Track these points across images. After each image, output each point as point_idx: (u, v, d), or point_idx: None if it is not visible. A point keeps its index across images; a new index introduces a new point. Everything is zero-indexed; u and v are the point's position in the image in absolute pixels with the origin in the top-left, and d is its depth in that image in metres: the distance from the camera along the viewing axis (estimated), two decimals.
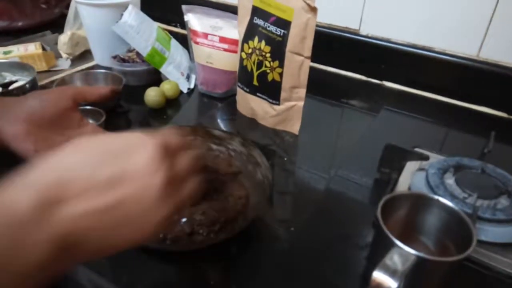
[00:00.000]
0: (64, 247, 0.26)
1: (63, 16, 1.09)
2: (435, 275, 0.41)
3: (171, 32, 0.97)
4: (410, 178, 0.59)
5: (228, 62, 0.81)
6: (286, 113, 0.72)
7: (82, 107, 0.70)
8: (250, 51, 0.72)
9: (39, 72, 0.85)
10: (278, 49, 0.67)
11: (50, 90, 0.56)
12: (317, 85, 0.75)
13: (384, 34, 0.89)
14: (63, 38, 0.96)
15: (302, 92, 0.70)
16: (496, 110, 0.82)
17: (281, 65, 0.68)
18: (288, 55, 0.67)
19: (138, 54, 0.88)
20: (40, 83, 0.84)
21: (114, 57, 0.88)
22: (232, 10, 0.77)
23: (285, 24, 0.66)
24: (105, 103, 0.73)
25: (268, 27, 0.68)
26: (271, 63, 0.69)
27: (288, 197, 0.61)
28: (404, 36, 0.87)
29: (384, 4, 0.86)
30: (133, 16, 0.83)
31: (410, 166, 0.61)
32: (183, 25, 0.87)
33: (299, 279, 0.47)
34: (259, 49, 0.70)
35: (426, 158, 0.61)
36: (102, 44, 0.93)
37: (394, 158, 0.61)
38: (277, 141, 0.72)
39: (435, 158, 0.61)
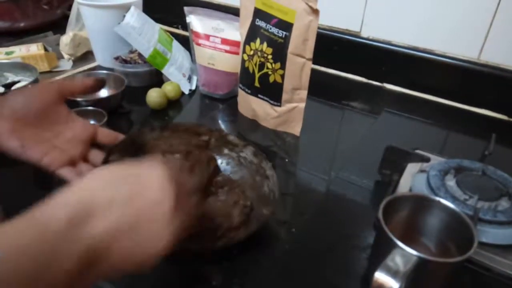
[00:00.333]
0: (89, 262, 0.29)
1: (65, 17, 1.09)
2: (437, 276, 0.41)
3: (172, 34, 0.97)
4: (411, 179, 0.59)
5: (230, 63, 0.81)
6: (288, 114, 0.73)
7: (84, 108, 0.70)
8: (251, 52, 0.72)
9: (41, 73, 0.85)
10: (280, 51, 0.68)
11: (35, 85, 0.55)
12: (318, 87, 0.75)
13: (385, 37, 0.89)
14: (65, 39, 0.97)
15: (304, 93, 0.70)
16: (496, 113, 0.82)
17: (283, 67, 0.68)
18: (289, 57, 0.67)
19: (140, 55, 0.88)
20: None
21: (116, 58, 0.89)
22: (234, 12, 0.78)
23: (287, 26, 0.66)
24: (108, 104, 0.73)
25: (270, 29, 0.68)
26: (273, 64, 0.69)
27: (289, 198, 0.61)
28: (405, 39, 0.87)
29: (385, 7, 0.86)
30: (135, 17, 0.84)
31: (411, 168, 0.61)
32: (185, 26, 0.87)
33: (300, 280, 0.47)
34: (261, 50, 0.70)
35: (427, 160, 0.61)
36: (104, 45, 0.93)
37: (395, 160, 0.61)
38: (278, 143, 0.72)
39: (436, 160, 0.62)
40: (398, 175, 0.61)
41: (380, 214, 0.42)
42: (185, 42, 0.94)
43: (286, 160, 0.68)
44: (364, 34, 0.91)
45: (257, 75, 0.72)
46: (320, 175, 0.65)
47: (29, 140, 0.49)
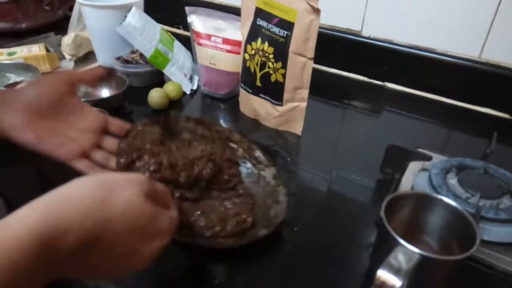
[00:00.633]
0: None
1: (66, 18, 1.09)
2: (439, 274, 0.41)
3: (173, 34, 0.97)
4: (413, 178, 0.59)
5: (231, 63, 0.81)
6: (289, 114, 0.73)
7: None
8: (253, 52, 0.72)
9: (43, 73, 0.85)
10: (281, 50, 0.68)
11: (46, 76, 0.54)
12: (320, 87, 0.75)
13: (386, 36, 0.89)
14: (67, 40, 0.97)
15: (305, 93, 0.70)
16: (498, 111, 0.82)
17: (284, 66, 0.68)
18: (291, 56, 0.67)
19: (141, 55, 0.89)
20: None
21: (118, 59, 0.89)
22: (235, 11, 0.78)
23: (288, 26, 0.66)
24: (109, 104, 0.73)
25: (271, 28, 0.68)
26: (274, 64, 0.69)
27: (291, 197, 0.61)
28: (406, 38, 0.87)
29: (386, 6, 0.86)
30: (136, 17, 0.84)
31: (413, 167, 0.61)
32: (186, 26, 0.87)
33: (302, 278, 0.47)
34: (262, 50, 0.70)
35: (429, 158, 0.61)
36: (105, 45, 0.93)
37: (396, 159, 0.61)
38: (279, 142, 0.72)
39: (437, 158, 0.62)
40: (400, 173, 0.61)
41: (382, 212, 0.42)
42: (186, 42, 0.94)
43: (288, 159, 0.68)
44: (365, 33, 0.91)
45: (258, 75, 0.73)
46: (322, 174, 0.65)
47: (44, 132, 0.49)
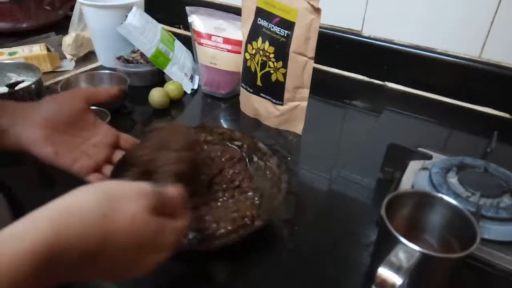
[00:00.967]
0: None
1: (67, 18, 1.10)
2: (439, 272, 0.41)
3: (174, 34, 0.97)
4: (413, 177, 0.59)
5: (232, 63, 0.81)
6: (290, 113, 0.73)
7: None
8: (253, 51, 0.72)
9: (43, 73, 0.86)
10: (281, 50, 0.68)
11: (64, 93, 0.58)
12: (320, 86, 0.75)
13: (387, 35, 0.89)
14: (68, 39, 0.97)
15: (306, 92, 0.70)
16: (498, 111, 0.82)
17: (285, 66, 0.69)
18: (291, 56, 0.67)
19: (142, 55, 0.89)
20: (45, 84, 0.85)
21: (119, 58, 0.89)
22: (236, 11, 0.78)
23: (289, 25, 0.66)
24: (110, 104, 0.73)
25: (272, 28, 0.69)
26: (275, 63, 0.70)
27: (292, 196, 0.61)
28: (406, 37, 0.87)
29: (386, 6, 0.86)
30: (137, 17, 0.84)
31: (413, 166, 0.61)
32: (186, 26, 0.88)
33: (303, 277, 0.47)
34: (263, 49, 0.70)
35: (429, 157, 0.61)
36: (106, 45, 0.94)
37: (397, 158, 0.61)
38: (280, 141, 0.73)
39: (438, 157, 0.62)
40: (400, 172, 0.61)
41: (383, 211, 0.42)
42: (187, 42, 0.94)
43: (288, 158, 0.68)
44: (366, 33, 0.91)
45: (259, 74, 0.73)
46: (322, 173, 0.65)
47: (61, 147, 0.51)
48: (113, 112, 0.71)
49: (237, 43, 0.79)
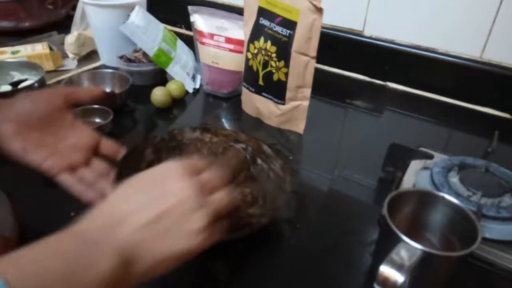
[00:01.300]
0: (124, 262, 0.31)
1: (69, 17, 1.10)
2: (441, 270, 0.41)
3: (175, 33, 0.98)
4: (415, 176, 0.59)
5: (234, 62, 0.82)
6: (291, 112, 0.73)
7: (89, 106, 0.71)
8: (255, 51, 0.72)
9: (46, 72, 0.86)
10: (283, 49, 0.68)
11: (42, 91, 0.54)
12: (322, 86, 0.75)
13: (388, 36, 0.89)
14: (70, 39, 0.97)
15: (307, 91, 0.71)
16: (499, 111, 0.83)
17: (287, 65, 0.69)
18: (293, 55, 0.68)
19: (144, 54, 0.89)
20: (47, 82, 0.85)
21: (121, 57, 0.89)
22: (238, 11, 0.78)
23: (291, 25, 0.67)
24: (113, 103, 0.74)
25: (274, 27, 0.69)
26: (277, 63, 0.70)
27: (293, 195, 0.61)
28: (407, 38, 0.88)
29: (388, 6, 0.87)
30: (140, 16, 0.84)
31: (415, 165, 0.62)
32: (188, 26, 0.88)
33: (305, 275, 0.48)
34: (265, 49, 0.71)
35: (430, 157, 0.61)
36: (108, 44, 0.94)
37: (398, 157, 0.62)
38: (282, 141, 0.73)
39: (439, 157, 0.62)
40: (402, 172, 0.61)
41: (385, 209, 0.42)
42: (188, 42, 0.95)
43: (290, 157, 0.69)
44: (367, 33, 0.92)
45: (261, 74, 0.73)
46: (324, 172, 0.65)
47: (31, 143, 0.48)
48: (115, 111, 0.71)
49: (239, 42, 0.79)
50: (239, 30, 0.78)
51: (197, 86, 0.90)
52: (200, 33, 0.83)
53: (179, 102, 0.84)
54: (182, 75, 0.87)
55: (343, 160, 0.69)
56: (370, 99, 0.88)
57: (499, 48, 0.79)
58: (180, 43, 0.93)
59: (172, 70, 0.87)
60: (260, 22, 0.71)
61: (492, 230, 0.50)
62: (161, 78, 0.89)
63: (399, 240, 0.39)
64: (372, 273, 0.46)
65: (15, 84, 0.75)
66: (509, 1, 0.75)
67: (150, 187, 0.36)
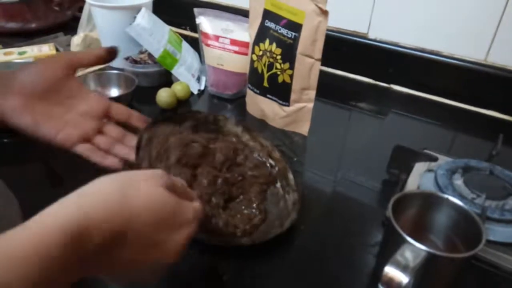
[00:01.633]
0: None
1: (75, 19, 1.11)
2: (445, 271, 0.41)
3: (181, 35, 0.98)
4: (419, 178, 0.59)
5: (238, 64, 0.82)
6: (296, 114, 0.74)
7: None
8: (261, 53, 0.73)
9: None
10: (289, 52, 0.69)
11: (43, 59, 0.51)
12: (326, 88, 0.76)
13: (392, 38, 0.90)
14: (76, 40, 0.98)
15: (312, 93, 0.71)
16: (503, 114, 0.83)
17: (292, 67, 0.69)
18: (298, 57, 0.68)
19: (150, 55, 0.90)
20: None
21: (126, 59, 0.90)
22: (243, 13, 0.79)
23: (296, 27, 0.67)
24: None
25: (279, 29, 0.69)
26: (282, 65, 0.70)
27: (298, 196, 0.62)
28: (412, 40, 0.88)
29: (392, 9, 0.87)
30: (146, 18, 0.85)
31: (419, 168, 0.62)
32: (193, 28, 0.88)
33: (308, 276, 0.48)
34: (270, 51, 0.71)
35: (434, 159, 0.62)
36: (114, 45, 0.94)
37: (403, 159, 0.62)
38: (286, 142, 0.73)
39: (443, 160, 0.62)
40: (406, 174, 0.61)
41: (389, 210, 0.42)
42: (193, 44, 0.95)
43: (294, 159, 0.69)
44: (372, 35, 0.92)
45: (266, 75, 0.73)
46: (328, 174, 0.66)
47: (42, 116, 0.47)
48: None
49: (244, 44, 0.80)
50: (244, 32, 0.79)
51: (202, 88, 0.90)
52: (206, 35, 0.84)
53: (184, 103, 0.84)
54: (187, 76, 0.88)
55: (347, 162, 0.69)
56: (374, 102, 0.88)
57: (503, 51, 0.80)
58: (185, 44, 0.94)
59: (177, 71, 0.87)
60: (266, 24, 0.72)
61: (496, 232, 0.50)
62: (166, 79, 0.89)
63: (404, 241, 0.39)
64: (376, 274, 0.46)
65: None
66: None
67: (130, 195, 0.33)
